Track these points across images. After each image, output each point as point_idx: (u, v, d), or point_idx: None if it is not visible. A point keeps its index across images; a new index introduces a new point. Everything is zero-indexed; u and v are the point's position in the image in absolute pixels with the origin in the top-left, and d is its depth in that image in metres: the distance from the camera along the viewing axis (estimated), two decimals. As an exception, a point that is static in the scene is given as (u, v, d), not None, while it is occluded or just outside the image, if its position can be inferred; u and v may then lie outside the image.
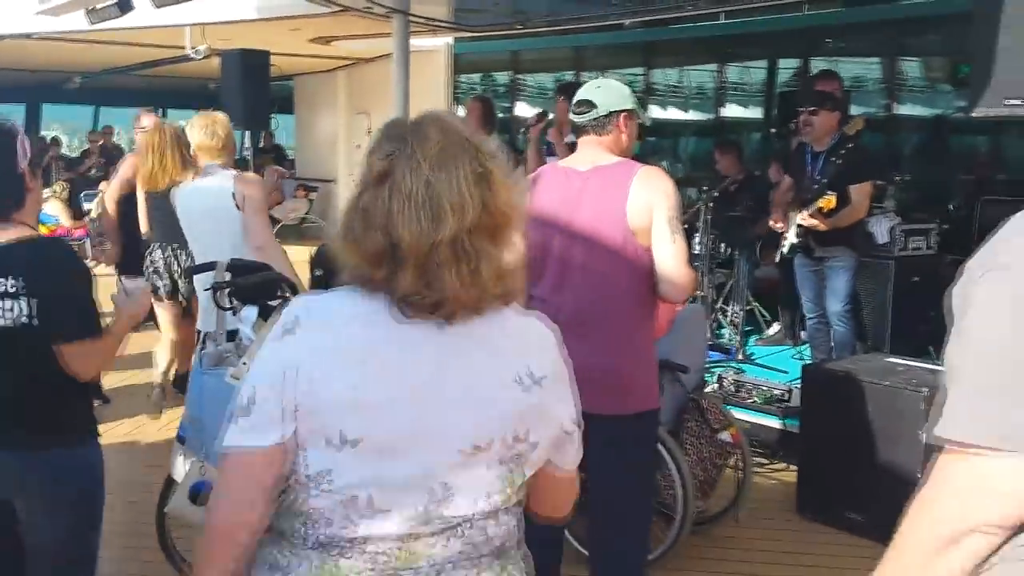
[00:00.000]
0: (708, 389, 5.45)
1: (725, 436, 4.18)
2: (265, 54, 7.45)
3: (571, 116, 3.04)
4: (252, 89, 7.27)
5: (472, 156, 1.44)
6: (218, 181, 4.36)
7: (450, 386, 1.45)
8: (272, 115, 7.82)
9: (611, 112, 2.96)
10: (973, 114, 3.45)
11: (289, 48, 11.19)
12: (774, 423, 5.22)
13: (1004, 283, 1.12)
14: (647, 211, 2.78)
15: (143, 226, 5.55)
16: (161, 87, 16.05)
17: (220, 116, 4.60)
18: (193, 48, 10.23)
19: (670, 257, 2.78)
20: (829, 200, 5.39)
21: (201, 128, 4.47)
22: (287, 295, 3.46)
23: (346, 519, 1.44)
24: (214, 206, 4.30)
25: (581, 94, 3.02)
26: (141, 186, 5.42)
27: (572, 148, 3.11)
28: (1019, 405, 1.10)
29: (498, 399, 1.47)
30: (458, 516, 1.47)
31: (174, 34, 10.01)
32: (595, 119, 2.96)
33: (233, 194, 4.26)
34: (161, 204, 5.08)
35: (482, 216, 1.42)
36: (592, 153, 2.97)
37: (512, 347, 1.51)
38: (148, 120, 6.00)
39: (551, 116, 6.62)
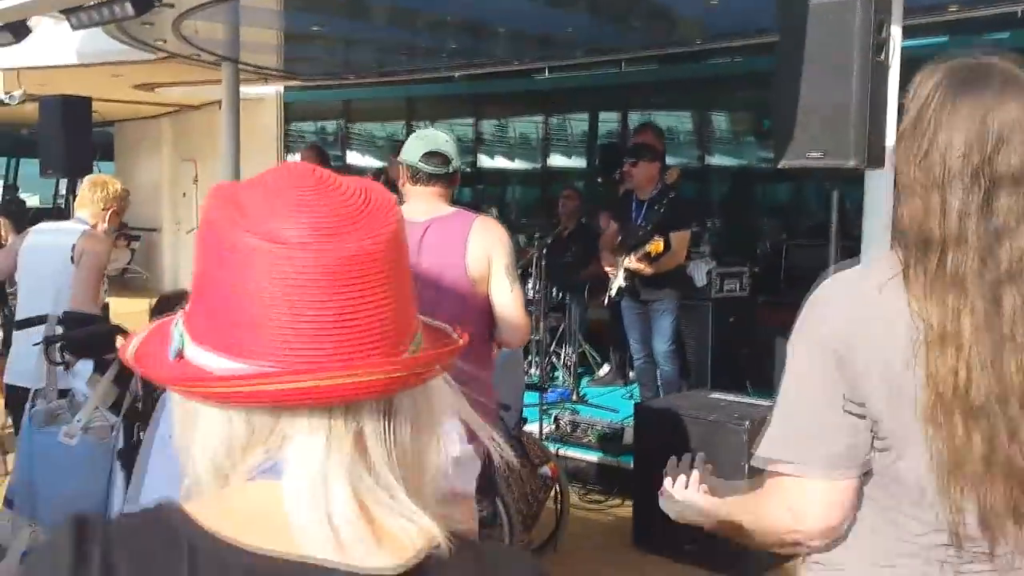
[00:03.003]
0: (547, 430, 5.65)
1: (545, 471, 4.37)
2: (87, 101, 7.21)
3: (423, 166, 3.08)
4: (73, 136, 7.01)
5: None
6: (59, 231, 4.20)
7: None
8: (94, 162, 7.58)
9: (459, 167, 3.12)
10: (779, 166, 3.69)
11: (109, 94, 10.83)
12: (609, 460, 5.44)
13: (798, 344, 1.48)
14: (485, 260, 2.92)
15: None
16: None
17: (112, 179, 4.50)
18: (7, 93, 9.76)
19: (509, 304, 2.93)
20: (657, 244, 5.70)
21: (88, 183, 4.39)
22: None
23: None
24: (41, 259, 4.13)
25: (435, 147, 3.10)
26: None
27: None
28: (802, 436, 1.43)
29: None
30: None
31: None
32: (448, 173, 3.09)
33: (73, 246, 4.06)
34: None
35: None
36: (430, 204, 3.07)
37: None
38: None
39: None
